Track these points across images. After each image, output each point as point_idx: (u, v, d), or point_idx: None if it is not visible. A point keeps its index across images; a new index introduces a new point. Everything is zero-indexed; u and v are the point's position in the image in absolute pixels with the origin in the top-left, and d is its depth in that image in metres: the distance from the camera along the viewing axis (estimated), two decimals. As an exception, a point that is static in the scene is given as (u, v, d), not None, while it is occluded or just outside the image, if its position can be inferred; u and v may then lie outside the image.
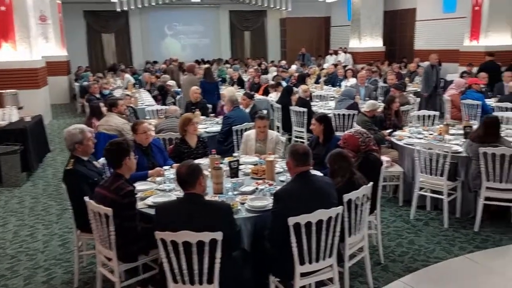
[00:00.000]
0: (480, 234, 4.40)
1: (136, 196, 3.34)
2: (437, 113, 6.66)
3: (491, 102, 7.61)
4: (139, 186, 3.76)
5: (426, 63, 12.30)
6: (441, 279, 3.70)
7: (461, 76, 9.08)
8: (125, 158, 3.30)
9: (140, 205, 3.42)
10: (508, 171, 4.23)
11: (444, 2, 14.97)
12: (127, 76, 12.09)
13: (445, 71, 13.17)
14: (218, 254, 2.72)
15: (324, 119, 4.63)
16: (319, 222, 2.87)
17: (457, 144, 4.98)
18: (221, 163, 3.99)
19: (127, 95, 8.08)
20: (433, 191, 4.79)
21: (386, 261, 3.96)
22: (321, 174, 3.56)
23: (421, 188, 4.81)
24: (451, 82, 8.86)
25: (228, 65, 15.73)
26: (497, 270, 3.78)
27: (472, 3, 12.56)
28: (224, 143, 5.88)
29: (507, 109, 6.68)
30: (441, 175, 4.52)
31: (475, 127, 5.18)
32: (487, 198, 4.42)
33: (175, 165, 4.39)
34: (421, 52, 15.69)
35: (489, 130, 4.46)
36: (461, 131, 5.37)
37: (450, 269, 3.84)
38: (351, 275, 3.47)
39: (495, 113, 6.19)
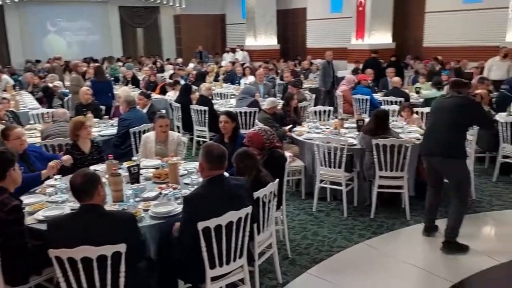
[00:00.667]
0: (375, 220, 4.70)
1: (24, 210, 2.98)
2: (331, 108, 7.02)
3: (378, 96, 8.22)
4: (26, 199, 3.36)
5: (319, 61, 12.91)
6: (344, 266, 3.87)
7: (355, 73, 9.71)
8: (9, 169, 2.94)
9: (29, 220, 3.06)
10: (397, 160, 4.57)
11: (331, 3, 15.90)
12: (5, 77, 10.88)
13: (336, 68, 13.99)
14: (122, 267, 2.52)
15: (235, 116, 4.61)
16: (229, 224, 2.80)
17: (352, 137, 5.28)
18: (119, 169, 3.75)
19: (4, 98, 7.24)
20: (333, 183, 5.01)
21: (293, 254, 4.04)
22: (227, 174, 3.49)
23: (321, 181, 5.01)
24: (342, 78, 9.41)
25: (120, 64, 14.98)
26: (391, 253, 4.06)
27: (357, 4, 13.51)
28: (121, 147, 5.55)
29: (392, 103, 7.26)
30: (339, 167, 4.75)
31: (366, 120, 5.53)
32: (380, 186, 4.74)
33: (65, 157, 4.03)
34: (313, 50, 16.51)
35: (380, 123, 4.79)
36: (354, 125, 5.70)
37: (351, 256, 4.04)
38: (260, 272, 3.47)
39: (383, 107, 6.71)
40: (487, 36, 11.95)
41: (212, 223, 2.72)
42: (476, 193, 5.26)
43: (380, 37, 13.78)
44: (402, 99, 7.27)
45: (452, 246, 3.97)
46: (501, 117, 5.74)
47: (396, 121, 5.93)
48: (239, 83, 10.51)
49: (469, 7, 12.48)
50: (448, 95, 4.12)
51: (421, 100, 7.76)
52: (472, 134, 4.89)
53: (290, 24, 18.18)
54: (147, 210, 3.19)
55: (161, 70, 13.61)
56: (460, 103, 3.90)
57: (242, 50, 16.71)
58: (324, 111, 6.84)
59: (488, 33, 11.96)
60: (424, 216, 4.37)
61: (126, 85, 10.26)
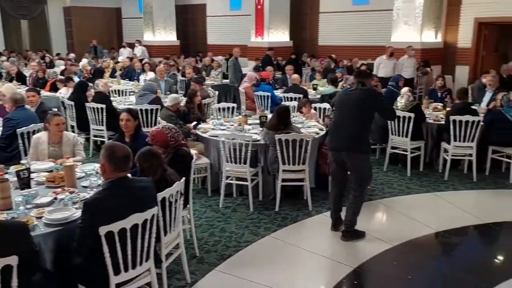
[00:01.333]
0: (280, 213, 4.84)
1: None
2: (235, 105, 7.07)
3: (278, 93, 8.47)
4: None
5: (220, 57, 12.93)
6: (251, 261, 3.92)
7: (256, 70, 9.91)
8: None
9: None
10: (299, 154, 4.75)
11: (230, 0, 16.03)
12: None
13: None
14: (14, 282, 2.27)
15: (137, 114, 4.40)
16: (134, 227, 2.66)
17: (256, 133, 5.36)
18: (6, 173, 3.38)
19: None
20: (238, 179, 5.05)
21: (201, 253, 4.00)
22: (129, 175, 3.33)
23: (227, 177, 5.01)
24: (244, 75, 9.55)
25: (4, 58, 13.56)
26: (296, 243, 4.20)
27: (255, 2, 13.77)
28: (7, 150, 5.01)
29: (292, 99, 7.53)
30: (244, 163, 4.80)
31: (269, 116, 5.65)
32: (283, 180, 4.88)
33: None
34: (214, 47, 16.51)
35: (282, 119, 4.93)
36: (257, 121, 5.80)
37: (258, 250, 4.11)
38: (168, 273, 3.37)
39: (284, 103, 6.93)
40: (375, 36, 12.96)
41: (115, 227, 2.56)
42: (372, 182, 5.68)
43: (279, 35, 14.23)
44: (301, 96, 7.58)
45: (350, 234, 4.22)
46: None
47: (296, 116, 6.16)
48: (138, 80, 10.13)
49: (357, 9, 13.41)
50: (353, 87, 4.18)
51: (318, 96, 8.17)
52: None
53: (189, 20, 17.97)
54: (40, 218, 2.91)
55: (51, 65, 12.57)
56: (364, 96, 4.01)
57: (140, 45, 16.13)
58: (228, 108, 6.86)
59: (375, 33, 12.98)
60: (330, 209, 4.45)
61: (11, 81, 9.30)
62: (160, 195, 2.98)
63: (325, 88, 8.47)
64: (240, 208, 5.00)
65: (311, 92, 8.65)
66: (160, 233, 3.08)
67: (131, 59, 12.57)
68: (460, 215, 4.76)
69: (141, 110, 6.32)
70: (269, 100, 7.72)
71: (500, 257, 4.13)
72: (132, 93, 8.59)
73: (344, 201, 4.38)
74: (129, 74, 10.88)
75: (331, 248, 4.13)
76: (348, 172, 4.26)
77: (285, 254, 4.03)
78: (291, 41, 14.65)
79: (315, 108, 6.63)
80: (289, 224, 4.61)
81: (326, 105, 6.62)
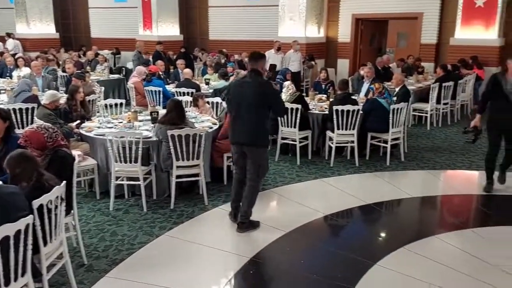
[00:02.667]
0: (175, 210, 4.73)
1: None
2: (123, 100, 6.73)
3: (170, 88, 8.26)
4: None
5: (106, 51, 12.28)
6: (146, 262, 3.76)
7: (146, 65, 9.54)
8: None
9: None
10: (193, 149, 4.67)
11: (115, -8, 15.25)
12: None
13: (125, 60, 13.54)
14: None
15: (8, 114, 3.91)
16: (6, 240, 2.37)
17: (147, 130, 5.16)
18: None
19: None
20: (130, 178, 4.82)
21: (90, 260, 3.73)
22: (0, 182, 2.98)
23: (117, 178, 4.75)
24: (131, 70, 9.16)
25: None
26: (192, 240, 4.13)
27: (142, -5, 13.27)
28: None
29: (185, 94, 7.40)
30: (135, 161, 4.58)
31: (161, 112, 5.48)
32: (178, 176, 4.77)
33: None
34: (99, 40, 15.59)
35: (174, 113, 4.80)
36: (149, 117, 5.58)
37: (154, 250, 3.95)
38: (52, 286, 3.09)
39: (176, 98, 6.76)
40: (263, 31, 13.31)
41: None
42: (263, 173, 5.83)
43: (168, 29, 13.90)
44: (194, 90, 7.48)
45: (246, 225, 4.26)
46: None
47: (189, 111, 6.06)
48: (10, 76, 9.16)
49: (246, 3, 13.65)
50: (247, 78, 4.17)
51: (211, 90, 8.15)
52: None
53: (69, 12, 16.72)
54: None
55: None
56: (259, 91, 4.02)
57: (12, 38, 14.58)
58: (116, 104, 6.51)
59: (264, 28, 13.33)
60: (231, 198, 4.48)
61: None
62: (36, 202, 2.69)
63: (217, 82, 8.47)
64: (132, 209, 4.78)
65: (203, 86, 8.59)
66: (39, 244, 2.80)
67: (1, 53, 11.31)
68: (345, 198, 5.09)
69: (14, 109, 5.70)
70: (161, 95, 7.51)
71: (382, 234, 4.49)
72: (3, 91, 7.72)
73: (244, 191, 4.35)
74: (0, 70, 9.79)
75: (228, 241, 4.14)
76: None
77: (182, 251, 3.95)
78: (181, 35, 14.41)
79: (208, 103, 6.59)
80: (185, 220, 4.52)
81: (219, 99, 6.62)
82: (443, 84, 8.36)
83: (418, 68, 10.43)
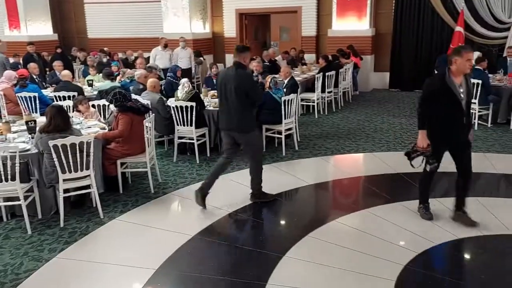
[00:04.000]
0: (66, 229, 4.27)
1: None
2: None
3: (48, 92, 7.50)
4: None
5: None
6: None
7: (15, 68, 8.49)
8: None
9: None
10: (81, 159, 4.25)
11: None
12: None
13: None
14: None
15: None
16: None
17: (24, 142, 4.58)
18: None
19: None
20: (7, 199, 4.24)
21: (-33, 300, 3.19)
22: None
23: (-9, 199, 4.15)
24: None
25: None
26: (88, 259, 3.77)
27: (3, -9, 11.90)
28: None
29: (65, 98, 6.76)
30: (13, 179, 4.03)
31: (39, 120, 4.91)
32: (66, 190, 4.32)
33: None
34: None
35: (60, 120, 4.30)
36: (24, 127, 4.97)
37: (44, 277, 3.52)
38: None
39: (56, 103, 6.12)
40: (147, 28, 12.80)
41: None
42: (162, 175, 5.56)
43: (40, 27, 12.66)
44: (75, 93, 6.88)
45: (259, 196, 4.80)
46: (171, 102, 6.23)
47: (73, 117, 5.53)
48: None
49: (125, 0, 12.99)
50: (231, 69, 4.47)
51: (95, 92, 7.57)
52: (149, 121, 5.07)
53: None
54: None
55: None
56: (237, 79, 4.35)
57: None
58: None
59: (148, 25, 12.83)
60: (205, 180, 4.75)
61: None
62: None
63: (101, 83, 7.90)
64: (14, 233, 4.21)
65: (86, 88, 7.96)
66: None
67: None
68: (248, 192, 5.07)
69: None
70: (37, 101, 6.76)
71: (286, 225, 4.55)
72: None
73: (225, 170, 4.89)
74: None
75: (130, 255, 3.84)
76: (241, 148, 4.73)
77: (79, 274, 3.56)
78: (55, 34, 13.24)
79: (93, 106, 6.09)
80: (79, 238, 4.11)
81: (105, 102, 6.15)
82: (326, 74, 8.82)
83: (301, 60, 10.90)
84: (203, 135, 6.29)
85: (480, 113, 7.53)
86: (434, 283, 3.35)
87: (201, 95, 6.80)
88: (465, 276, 3.43)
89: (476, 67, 7.63)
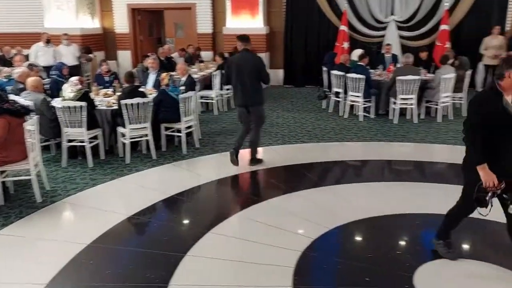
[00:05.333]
0: None
1: None
2: None
3: None
4: None
5: None
6: None
7: None
8: None
9: None
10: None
11: None
12: None
13: None
14: None
15: None
16: None
17: None
18: None
19: None
20: None
21: None
22: None
23: None
24: None
25: None
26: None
27: None
28: None
29: None
30: None
31: None
32: None
33: None
34: None
35: None
36: None
37: None
38: None
39: None
40: (26, 22, 11.72)
41: None
42: (50, 182, 5.13)
43: None
44: None
45: (255, 160, 5.82)
46: (57, 102, 5.78)
47: None
48: None
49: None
50: (243, 54, 5.43)
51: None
52: (32, 124, 4.65)
53: None
54: None
55: None
56: (253, 61, 5.42)
57: None
58: None
59: (27, 19, 11.74)
60: (236, 143, 5.72)
61: None
62: None
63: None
64: None
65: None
66: None
67: None
68: (147, 194, 4.92)
69: None
70: None
71: (188, 223, 4.49)
72: None
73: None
74: None
75: (12, 272, 3.49)
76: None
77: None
78: None
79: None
80: None
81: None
82: (223, 71, 8.87)
83: (198, 57, 10.84)
84: (95, 137, 5.94)
85: (364, 106, 8.16)
86: (330, 266, 3.56)
87: (92, 94, 6.42)
88: (356, 256, 3.68)
89: (359, 63, 8.31)
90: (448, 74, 7.77)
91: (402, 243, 4.00)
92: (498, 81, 3.01)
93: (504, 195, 3.05)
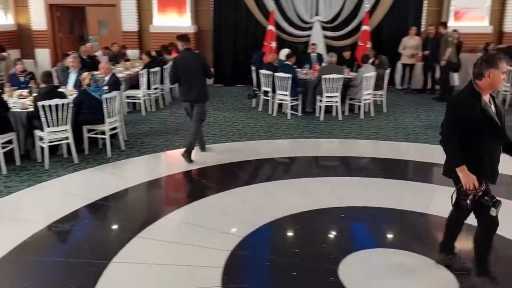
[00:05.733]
0: None
1: None
2: None
3: None
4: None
5: None
6: None
7: None
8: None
9: None
10: None
11: None
12: None
13: None
14: None
15: None
16: None
17: None
18: None
19: None
20: None
21: None
22: None
23: None
24: None
25: None
26: None
27: None
28: None
29: None
30: None
31: None
32: None
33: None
34: None
35: None
36: None
37: None
38: None
39: None
40: None
41: None
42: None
43: None
44: None
45: (189, 153, 5.82)
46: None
47: None
48: None
49: None
50: (187, 53, 5.73)
51: None
52: None
53: None
54: None
55: None
56: (199, 58, 5.92)
57: None
58: None
59: None
60: (196, 141, 6.05)
61: None
62: None
63: None
64: None
65: None
66: None
67: None
68: (69, 200, 4.66)
69: None
70: None
71: (113, 229, 4.31)
72: None
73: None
74: None
75: None
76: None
77: None
78: None
79: None
80: None
81: None
82: (150, 70, 8.65)
83: (124, 56, 10.47)
84: (9, 141, 5.51)
85: (292, 104, 8.34)
86: (258, 263, 3.58)
87: (5, 96, 5.97)
88: (284, 252, 3.74)
89: (286, 62, 8.47)
90: (369, 73, 8.16)
91: (329, 236, 4.13)
92: (476, 81, 2.94)
93: (485, 197, 2.93)
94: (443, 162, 3.19)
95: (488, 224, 3.05)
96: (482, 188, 2.92)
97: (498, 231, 3.10)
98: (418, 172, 5.84)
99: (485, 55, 3.20)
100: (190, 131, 6.07)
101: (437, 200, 4.73)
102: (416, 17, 11.14)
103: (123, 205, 4.89)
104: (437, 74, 10.04)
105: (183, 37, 5.84)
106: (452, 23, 10.58)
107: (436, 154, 5.36)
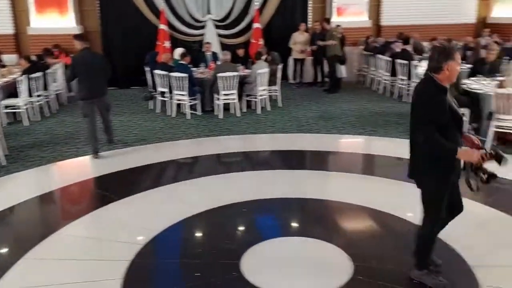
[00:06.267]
0: None
1: None
2: None
3: None
4: None
5: None
6: None
7: None
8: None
9: None
10: None
11: None
12: None
13: None
14: None
15: None
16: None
17: None
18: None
19: None
20: None
21: None
22: None
23: None
24: None
25: None
26: None
27: None
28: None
29: None
30: None
31: None
32: None
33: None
34: None
35: None
36: None
37: None
38: None
39: None
40: None
41: None
42: None
43: None
44: None
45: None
46: None
47: None
48: None
49: None
50: (87, 52, 5.96)
51: None
52: None
53: None
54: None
55: None
56: (98, 57, 6.30)
57: None
58: None
59: None
60: (94, 139, 6.07)
61: None
62: None
63: None
64: None
65: None
66: None
67: None
68: None
69: None
70: None
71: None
72: None
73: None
74: None
75: None
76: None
77: None
78: None
79: None
80: None
81: None
82: (31, 76, 7.92)
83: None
84: None
85: (190, 103, 8.21)
86: (160, 269, 3.45)
87: None
88: (186, 254, 3.64)
89: (181, 62, 8.32)
90: (262, 69, 8.34)
91: (230, 232, 4.11)
92: (434, 75, 2.81)
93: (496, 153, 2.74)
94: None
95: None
96: (488, 155, 2.74)
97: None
98: (313, 161, 6.09)
99: (439, 47, 3.00)
100: (88, 134, 6.19)
101: (333, 186, 4.97)
102: (303, 13, 11.64)
103: (6, 225, 4.41)
104: (326, 67, 10.61)
105: (80, 36, 6.24)
106: (335, 19, 11.25)
107: (329, 143, 5.63)
